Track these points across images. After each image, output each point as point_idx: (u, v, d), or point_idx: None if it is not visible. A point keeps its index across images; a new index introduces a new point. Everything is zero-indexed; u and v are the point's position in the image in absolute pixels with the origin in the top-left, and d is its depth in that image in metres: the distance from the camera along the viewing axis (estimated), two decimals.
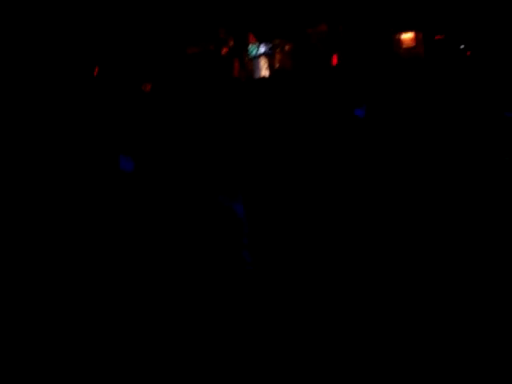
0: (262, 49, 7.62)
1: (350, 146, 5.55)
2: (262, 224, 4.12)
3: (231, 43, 7.81)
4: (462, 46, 6.31)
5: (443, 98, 6.39)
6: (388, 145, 5.47)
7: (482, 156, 5.14)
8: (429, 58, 6.46)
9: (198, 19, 7.83)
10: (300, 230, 4.19)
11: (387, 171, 5.03)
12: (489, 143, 5.69)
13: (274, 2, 7.21)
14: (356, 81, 7.03)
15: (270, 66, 7.59)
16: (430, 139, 5.83)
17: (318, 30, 7.13)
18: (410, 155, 5.32)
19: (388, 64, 6.85)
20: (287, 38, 7.32)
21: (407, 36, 6.53)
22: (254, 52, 7.70)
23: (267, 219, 4.28)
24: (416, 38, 6.52)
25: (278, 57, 7.52)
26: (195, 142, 3.99)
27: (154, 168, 3.78)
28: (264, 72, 7.69)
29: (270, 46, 7.54)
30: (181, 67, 8.07)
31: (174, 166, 3.72)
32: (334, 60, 7.11)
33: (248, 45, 7.69)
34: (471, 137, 5.81)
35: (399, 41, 6.60)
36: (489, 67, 6.45)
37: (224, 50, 7.86)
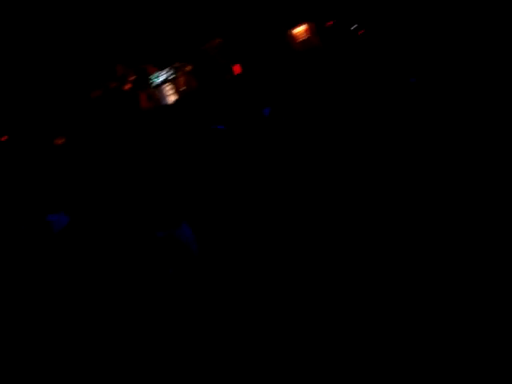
0: (164, 76, 7.44)
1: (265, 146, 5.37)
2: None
3: (132, 78, 7.60)
4: (354, 27, 6.33)
5: (347, 76, 6.34)
6: (300, 136, 5.26)
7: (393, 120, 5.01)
8: (324, 44, 6.45)
9: (94, 62, 7.59)
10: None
11: (301, 160, 4.79)
12: (397, 108, 5.57)
13: (164, 28, 7.12)
14: (261, 83, 6.93)
15: (177, 90, 7.40)
16: (343, 117, 5.70)
17: (213, 44, 7.05)
18: (325, 137, 5.10)
19: (287, 60, 6.81)
20: (185, 59, 7.19)
21: (299, 29, 6.52)
22: (156, 80, 7.51)
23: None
24: (309, 30, 6.51)
25: (181, 79, 7.35)
26: (121, 184, 3.78)
27: (88, 219, 3.48)
28: (172, 97, 7.49)
29: (171, 70, 7.38)
30: (88, 112, 7.77)
31: (108, 213, 3.42)
32: (236, 69, 7.01)
33: (149, 75, 7.51)
34: (382, 104, 5.71)
35: (293, 36, 6.57)
36: (384, 40, 6.49)
37: (127, 86, 7.63)
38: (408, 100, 5.64)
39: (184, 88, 7.26)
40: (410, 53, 6.52)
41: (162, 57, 7.22)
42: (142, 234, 3.28)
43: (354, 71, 6.39)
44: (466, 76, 5.62)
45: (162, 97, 7.46)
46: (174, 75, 7.24)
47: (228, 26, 6.90)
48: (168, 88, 7.40)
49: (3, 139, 7.17)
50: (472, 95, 5.42)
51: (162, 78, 7.32)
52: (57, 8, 6.76)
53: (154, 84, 7.36)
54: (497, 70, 5.60)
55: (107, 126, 7.79)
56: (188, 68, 7.17)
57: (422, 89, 5.94)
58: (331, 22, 6.66)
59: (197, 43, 7.06)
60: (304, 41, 6.80)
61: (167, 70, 7.30)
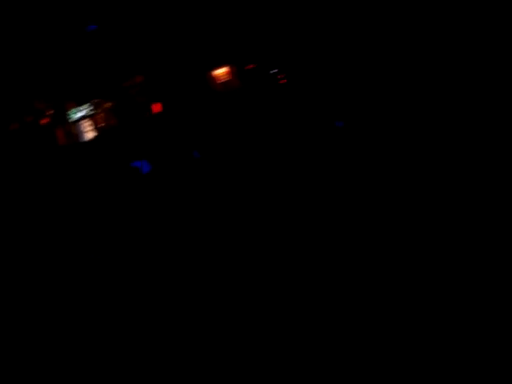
0: (83, 111, 7.15)
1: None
2: None
3: (50, 112, 7.26)
4: (274, 71, 6.33)
5: (267, 120, 6.27)
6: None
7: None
8: (244, 86, 6.39)
9: (13, 95, 7.24)
10: None
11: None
12: (323, 149, 5.56)
13: (84, 63, 6.88)
14: (181, 124, 6.78)
15: (95, 126, 7.11)
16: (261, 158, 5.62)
17: (134, 82, 6.86)
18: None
19: (207, 101, 6.71)
20: (105, 95, 6.95)
21: (221, 71, 6.45)
22: (74, 116, 7.20)
23: None
24: (230, 72, 6.45)
25: (100, 116, 7.08)
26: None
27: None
28: (90, 134, 7.19)
29: (91, 107, 7.11)
30: (5, 145, 7.35)
31: None
32: (156, 108, 6.83)
33: (67, 110, 7.20)
34: (307, 146, 5.67)
35: (214, 77, 6.49)
36: (306, 85, 6.51)
37: (44, 120, 7.28)
38: (335, 143, 5.58)
39: (103, 125, 6.98)
40: (336, 97, 6.54)
41: (81, 93, 6.95)
42: None
43: (274, 113, 6.32)
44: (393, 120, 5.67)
45: (80, 133, 7.14)
46: (92, 111, 6.96)
47: (150, 64, 6.75)
48: (86, 124, 7.10)
49: None
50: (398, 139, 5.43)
51: (80, 114, 7.02)
52: None
53: (71, 119, 7.05)
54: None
55: (23, 161, 7.37)
56: (107, 105, 6.91)
57: (350, 132, 5.93)
58: (251, 66, 6.64)
59: (117, 80, 6.85)
60: (225, 82, 6.73)
61: (87, 105, 7.02)
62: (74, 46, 6.97)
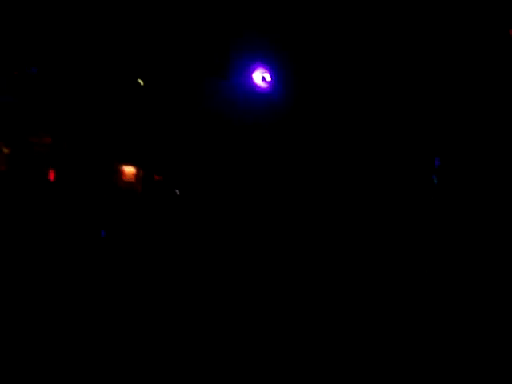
0: None
1: None
2: None
3: None
4: (178, 192, 6.10)
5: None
6: None
7: None
8: (145, 194, 6.12)
9: None
10: None
11: None
12: None
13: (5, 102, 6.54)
14: (74, 201, 6.35)
15: None
16: None
17: (42, 141, 6.48)
18: None
19: (105, 191, 6.36)
20: (6, 140, 6.51)
21: (129, 170, 6.17)
22: None
23: None
24: (137, 174, 6.17)
25: None
26: None
27: None
28: None
29: None
30: None
31: None
32: (52, 175, 6.40)
33: None
34: None
35: (121, 172, 6.19)
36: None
37: None
38: None
39: None
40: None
41: None
42: None
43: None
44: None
45: None
46: None
47: (64, 132, 6.44)
48: None
49: None
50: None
51: None
52: None
53: None
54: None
55: None
56: (5, 151, 6.45)
57: None
58: (159, 177, 6.44)
59: (26, 131, 6.47)
60: (129, 182, 6.45)
61: None
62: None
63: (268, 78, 6.66)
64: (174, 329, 3.71)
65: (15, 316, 3.74)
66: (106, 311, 4.09)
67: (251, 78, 6.66)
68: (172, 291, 4.74)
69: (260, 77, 6.68)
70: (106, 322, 3.79)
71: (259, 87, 6.66)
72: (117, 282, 5.00)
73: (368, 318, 4.24)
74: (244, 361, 3.18)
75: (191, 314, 4.12)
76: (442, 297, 4.59)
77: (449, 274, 4.95)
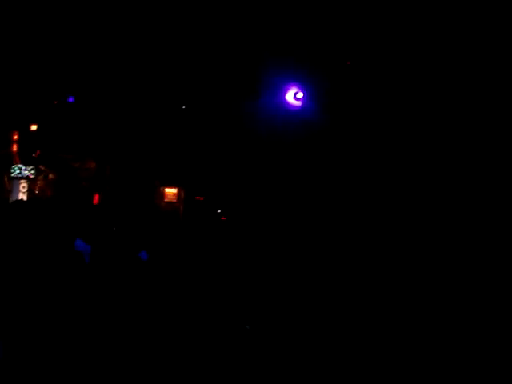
0: (25, 171, 6.94)
1: None
2: None
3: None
4: (219, 211, 6.33)
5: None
6: None
7: None
8: (187, 214, 6.36)
9: None
10: None
11: None
12: None
13: (44, 128, 6.84)
14: (118, 224, 6.61)
15: (30, 191, 6.87)
16: None
17: (85, 166, 6.77)
18: None
19: (148, 213, 6.61)
20: (52, 166, 6.81)
21: (171, 191, 6.42)
22: (16, 172, 6.97)
23: None
24: (178, 195, 6.42)
25: (39, 183, 6.87)
26: None
27: None
28: (21, 195, 6.91)
29: (34, 170, 6.92)
30: None
31: None
32: (96, 199, 6.68)
33: (12, 164, 6.99)
34: None
35: (163, 193, 6.44)
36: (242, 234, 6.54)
37: None
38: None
39: (37, 192, 6.75)
40: None
41: (30, 152, 6.79)
42: None
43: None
44: None
45: (14, 191, 6.87)
46: (33, 175, 6.77)
47: (106, 156, 6.71)
48: (23, 185, 6.86)
49: None
50: None
51: (24, 173, 6.80)
52: None
53: (12, 175, 6.81)
54: None
55: None
56: (51, 176, 6.74)
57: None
58: (201, 198, 6.67)
59: (70, 157, 6.75)
60: (171, 202, 6.70)
61: (31, 168, 6.83)
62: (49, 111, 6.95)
63: (300, 95, 6.83)
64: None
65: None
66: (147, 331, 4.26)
67: (284, 97, 6.84)
68: (214, 310, 4.94)
69: (292, 95, 6.86)
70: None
71: (292, 105, 6.84)
72: (160, 301, 5.21)
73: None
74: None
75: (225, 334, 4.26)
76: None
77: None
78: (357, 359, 3.30)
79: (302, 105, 6.90)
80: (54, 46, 6.70)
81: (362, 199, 6.37)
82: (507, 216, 5.08)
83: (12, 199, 6.99)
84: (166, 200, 6.70)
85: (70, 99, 6.82)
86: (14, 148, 6.93)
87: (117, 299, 4.82)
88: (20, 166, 6.97)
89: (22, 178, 6.93)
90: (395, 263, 5.54)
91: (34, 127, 7.02)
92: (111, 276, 5.60)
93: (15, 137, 7.00)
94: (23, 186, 6.92)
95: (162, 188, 6.72)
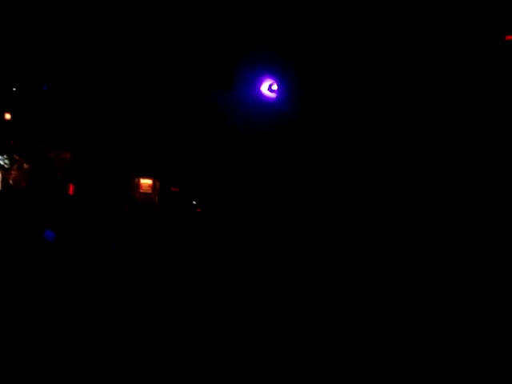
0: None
1: None
2: None
3: None
4: (194, 202, 6.41)
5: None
6: None
7: None
8: (162, 205, 6.43)
9: None
10: None
11: None
12: None
13: (19, 117, 6.79)
14: (90, 212, 6.66)
15: (4, 180, 6.84)
16: None
17: (60, 157, 6.75)
18: None
19: (123, 204, 6.67)
20: (27, 156, 6.78)
21: (146, 182, 6.47)
22: None
23: None
24: (154, 186, 6.47)
25: (14, 173, 6.85)
26: None
27: None
28: None
29: (8, 160, 6.88)
30: None
31: None
32: (71, 189, 6.70)
33: None
34: None
35: (138, 184, 6.48)
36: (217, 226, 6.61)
37: None
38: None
39: (11, 182, 6.73)
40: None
41: (4, 142, 6.75)
42: None
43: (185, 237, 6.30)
44: None
45: None
46: (8, 165, 6.74)
47: (82, 147, 6.71)
48: None
49: None
50: None
51: None
52: None
53: None
54: None
55: None
56: (26, 166, 6.72)
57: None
58: (176, 189, 6.73)
59: (45, 147, 6.73)
60: (146, 193, 6.75)
61: (5, 157, 6.80)
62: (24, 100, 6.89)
63: (275, 87, 6.88)
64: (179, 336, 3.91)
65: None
66: (115, 322, 4.34)
67: (258, 88, 6.88)
68: (186, 301, 5.03)
69: (267, 86, 6.90)
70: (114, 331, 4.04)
71: (266, 97, 6.89)
72: (132, 292, 5.26)
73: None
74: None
75: (200, 325, 4.35)
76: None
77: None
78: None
79: (277, 96, 6.94)
80: (27, 33, 6.62)
81: (337, 191, 6.48)
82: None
83: None
84: (141, 191, 6.74)
85: (44, 87, 6.77)
86: None
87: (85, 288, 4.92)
88: None
89: None
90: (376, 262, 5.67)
91: (7, 116, 6.96)
92: (80, 265, 5.70)
93: None
94: None
95: (137, 179, 6.75)
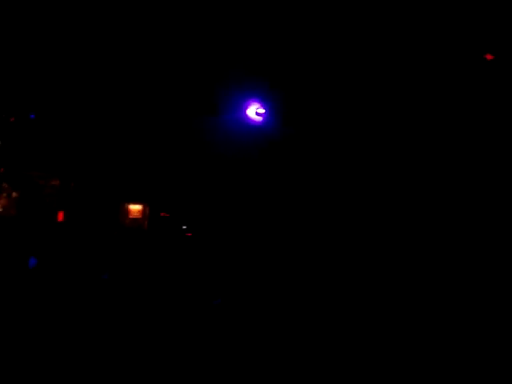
0: None
1: None
2: None
3: None
4: (184, 227, 6.44)
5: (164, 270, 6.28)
6: None
7: None
8: (151, 230, 6.45)
9: None
10: None
11: None
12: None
13: (7, 145, 6.81)
14: (79, 239, 6.66)
15: None
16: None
17: (50, 183, 6.78)
18: None
19: (112, 230, 6.69)
20: (16, 184, 6.80)
21: (135, 207, 6.50)
22: None
23: None
24: (143, 211, 6.50)
25: (2, 201, 6.85)
26: None
27: None
28: None
29: None
30: None
31: None
32: (60, 216, 6.71)
33: None
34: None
35: (127, 210, 6.51)
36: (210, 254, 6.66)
37: None
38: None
39: (0, 211, 6.73)
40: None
41: None
42: None
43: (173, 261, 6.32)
44: None
45: None
46: None
47: (71, 173, 6.74)
48: None
49: None
50: None
51: None
52: None
53: None
54: None
55: None
56: (14, 194, 6.73)
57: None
58: (167, 214, 6.77)
59: (34, 175, 6.75)
60: (136, 219, 6.77)
61: None
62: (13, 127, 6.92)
63: (261, 111, 6.98)
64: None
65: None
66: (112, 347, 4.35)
67: (245, 112, 6.98)
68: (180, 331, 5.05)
69: (254, 111, 7.00)
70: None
71: (253, 121, 6.98)
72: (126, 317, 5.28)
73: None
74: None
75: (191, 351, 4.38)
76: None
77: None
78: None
79: (263, 120, 7.04)
80: (13, 62, 6.68)
81: (326, 212, 6.55)
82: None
83: None
84: (130, 217, 6.77)
85: (31, 116, 6.82)
86: None
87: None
88: None
89: None
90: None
91: None
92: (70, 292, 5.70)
93: None
94: None
95: (126, 204, 6.79)
